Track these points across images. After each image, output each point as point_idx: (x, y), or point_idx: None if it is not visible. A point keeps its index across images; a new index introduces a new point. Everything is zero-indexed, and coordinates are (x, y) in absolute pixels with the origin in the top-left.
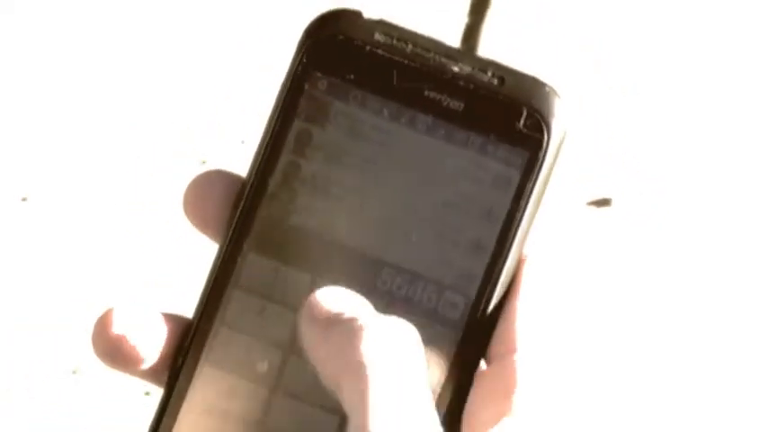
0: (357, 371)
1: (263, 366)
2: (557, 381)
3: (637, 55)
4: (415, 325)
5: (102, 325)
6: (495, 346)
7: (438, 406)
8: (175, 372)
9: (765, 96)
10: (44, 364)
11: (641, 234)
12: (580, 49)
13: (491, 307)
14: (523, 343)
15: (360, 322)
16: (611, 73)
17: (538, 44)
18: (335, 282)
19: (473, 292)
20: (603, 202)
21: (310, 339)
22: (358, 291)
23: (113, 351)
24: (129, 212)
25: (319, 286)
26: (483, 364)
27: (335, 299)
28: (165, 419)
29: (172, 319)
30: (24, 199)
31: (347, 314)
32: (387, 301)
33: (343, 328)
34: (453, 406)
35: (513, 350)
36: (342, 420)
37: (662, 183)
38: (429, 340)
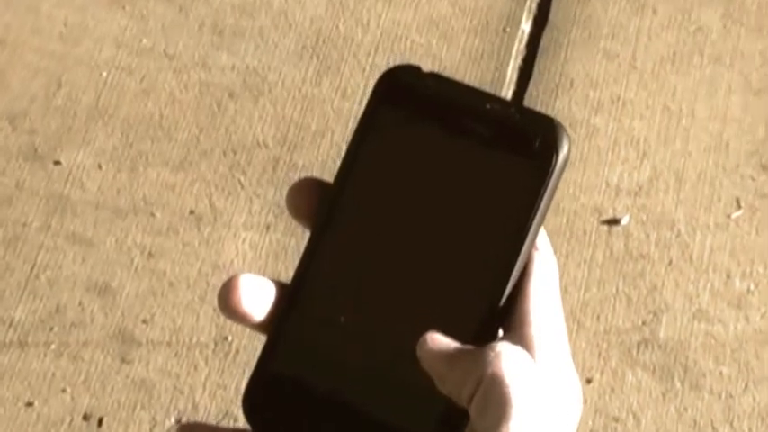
0: (496, 379)
1: (337, 314)
2: (561, 346)
3: None
4: (455, 288)
5: (226, 291)
6: (513, 317)
7: None
8: (276, 324)
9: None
10: None
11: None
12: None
13: (511, 282)
14: (535, 317)
15: (497, 348)
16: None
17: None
18: (402, 253)
19: (501, 269)
20: (614, 222)
21: (439, 360)
22: (410, 263)
23: (233, 312)
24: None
25: (387, 262)
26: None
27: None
28: (265, 361)
29: (279, 285)
30: None
31: (467, 346)
32: (435, 271)
33: (478, 351)
34: None
35: (528, 323)
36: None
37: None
38: (464, 305)
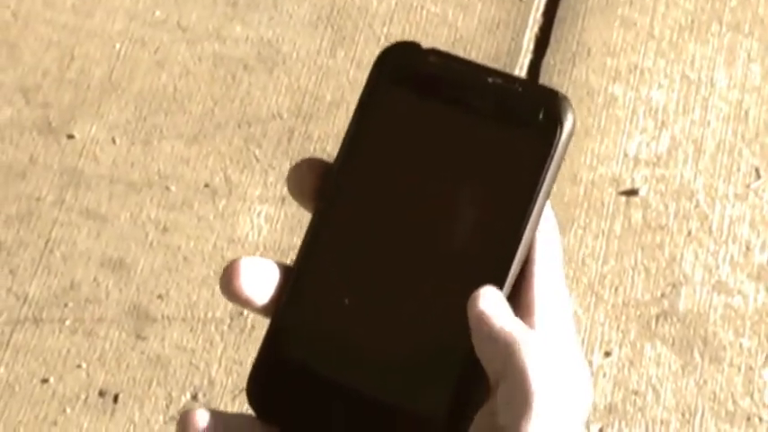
0: (521, 372)
1: (341, 296)
2: (567, 333)
3: None
4: (462, 265)
5: (227, 275)
6: (517, 304)
7: None
8: (279, 308)
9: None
10: None
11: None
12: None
13: (516, 259)
14: (539, 305)
15: (526, 338)
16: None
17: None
18: (405, 234)
19: (506, 247)
20: (632, 192)
21: (483, 327)
22: (414, 244)
23: (235, 297)
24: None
25: (391, 242)
26: None
27: (499, 301)
28: (269, 346)
29: (283, 268)
30: None
31: (509, 324)
32: (439, 252)
33: (511, 337)
34: None
35: (531, 313)
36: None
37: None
38: (470, 286)
